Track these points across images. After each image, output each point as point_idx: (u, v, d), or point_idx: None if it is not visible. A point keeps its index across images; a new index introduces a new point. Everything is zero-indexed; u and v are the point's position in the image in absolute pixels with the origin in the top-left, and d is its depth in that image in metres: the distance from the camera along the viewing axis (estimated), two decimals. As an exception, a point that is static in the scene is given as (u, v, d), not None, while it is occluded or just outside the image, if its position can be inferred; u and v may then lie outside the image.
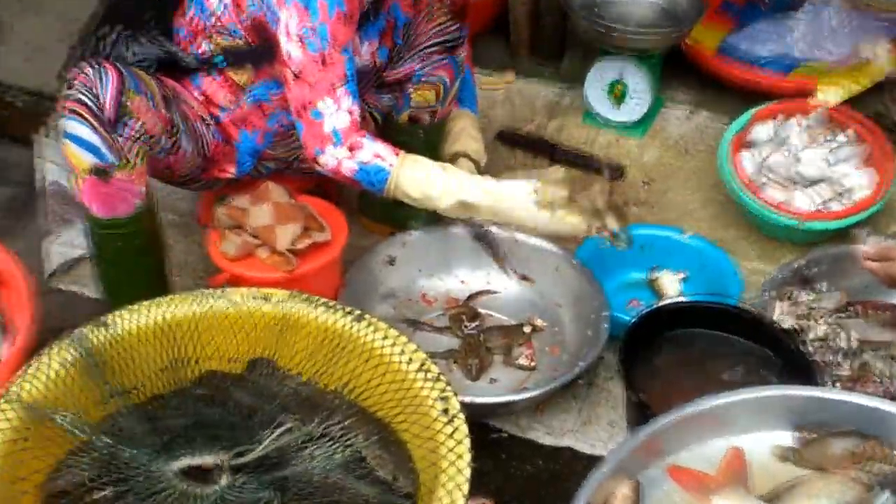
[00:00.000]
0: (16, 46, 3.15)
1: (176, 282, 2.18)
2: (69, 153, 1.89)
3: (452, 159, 2.24)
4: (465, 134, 2.30)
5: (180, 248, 2.35)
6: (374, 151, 1.97)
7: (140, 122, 1.89)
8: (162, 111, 1.96)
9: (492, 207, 1.97)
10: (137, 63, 2.02)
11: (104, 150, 1.87)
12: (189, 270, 2.34)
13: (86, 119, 1.85)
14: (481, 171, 2.25)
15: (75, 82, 1.87)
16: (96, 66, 1.87)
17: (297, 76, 1.93)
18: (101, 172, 1.89)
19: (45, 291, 2.27)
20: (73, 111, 1.86)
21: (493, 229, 2.22)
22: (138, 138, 1.90)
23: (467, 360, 2.09)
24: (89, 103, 1.85)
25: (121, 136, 1.88)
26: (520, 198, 1.95)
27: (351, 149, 1.96)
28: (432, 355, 1.78)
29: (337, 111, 1.94)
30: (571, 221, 1.95)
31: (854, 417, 1.52)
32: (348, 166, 1.97)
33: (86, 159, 1.88)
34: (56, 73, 2.20)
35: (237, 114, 2.11)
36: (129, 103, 1.87)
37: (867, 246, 1.94)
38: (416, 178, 1.97)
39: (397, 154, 1.97)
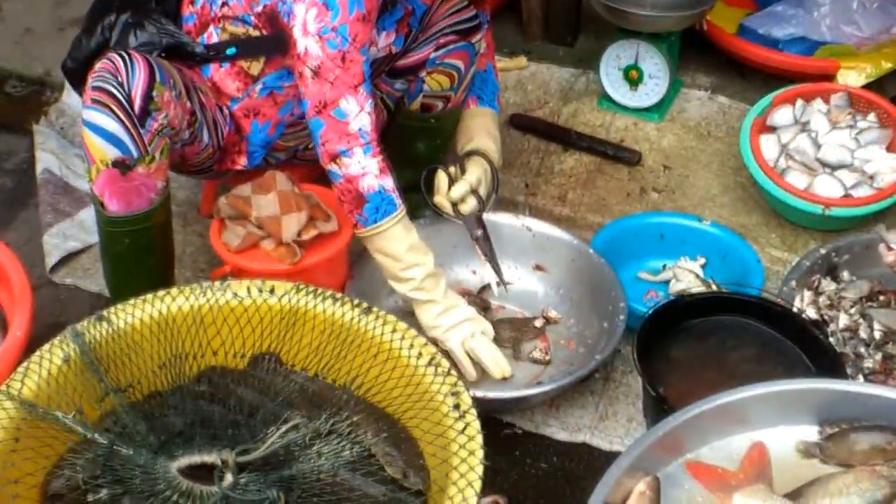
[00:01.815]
0: (4, 29, 3.07)
1: (174, 274, 2.13)
2: (89, 143, 1.83)
3: (467, 157, 2.19)
4: (484, 133, 2.24)
5: (179, 238, 2.29)
6: (395, 186, 1.94)
7: (165, 116, 1.84)
8: (185, 103, 1.91)
9: (438, 305, 1.98)
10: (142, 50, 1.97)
11: (128, 143, 1.82)
12: (188, 262, 2.30)
13: (111, 110, 1.79)
14: (496, 171, 2.21)
15: (101, 72, 1.80)
16: (125, 57, 1.81)
17: (315, 73, 1.88)
18: (122, 166, 1.84)
19: (43, 285, 2.24)
20: (98, 101, 1.80)
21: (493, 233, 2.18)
22: (162, 131, 1.85)
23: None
24: (116, 94, 1.79)
25: (147, 129, 1.83)
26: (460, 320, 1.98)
27: (380, 170, 1.92)
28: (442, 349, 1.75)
29: (360, 112, 1.90)
30: (468, 370, 1.98)
31: (883, 412, 1.49)
32: (370, 182, 1.91)
33: (108, 151, 1.82)
34: (53, 59, 2.15)
35: (247, 103, 2.06)
36: (157, 97, 1.82)
37: (890, 244, 1.92)
38: (411, 229, 1.96)
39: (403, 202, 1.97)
